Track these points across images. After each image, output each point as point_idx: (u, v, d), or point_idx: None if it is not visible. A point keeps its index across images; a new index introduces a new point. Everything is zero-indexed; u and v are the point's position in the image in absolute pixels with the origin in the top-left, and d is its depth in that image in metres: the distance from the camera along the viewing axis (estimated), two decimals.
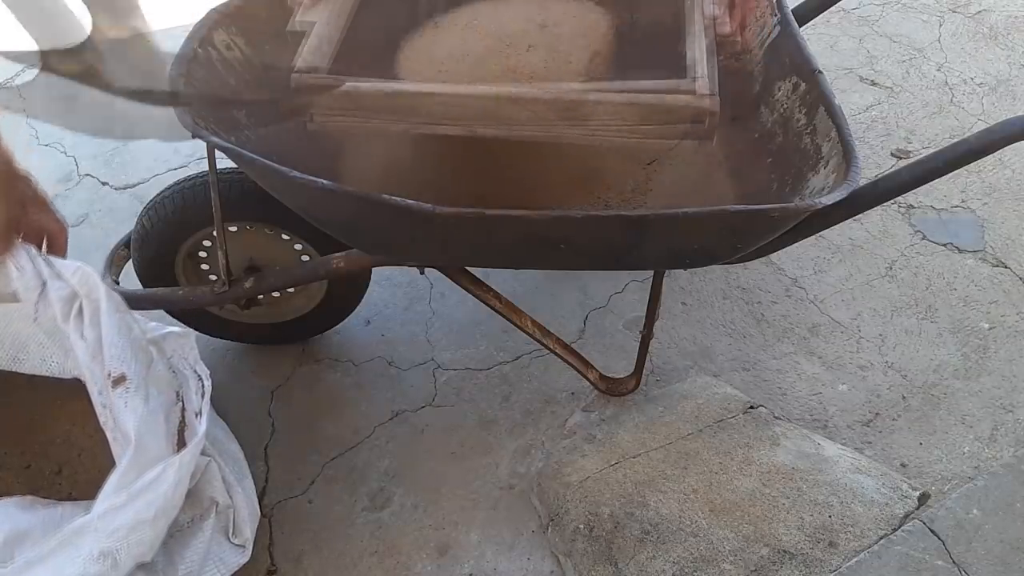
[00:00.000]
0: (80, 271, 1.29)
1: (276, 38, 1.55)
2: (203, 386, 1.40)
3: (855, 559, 1.43)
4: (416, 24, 1.44)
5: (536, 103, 1.21)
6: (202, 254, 1.69)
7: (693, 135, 1.22)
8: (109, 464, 1.26)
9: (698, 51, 1.26)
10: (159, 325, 1.46)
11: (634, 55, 1.38)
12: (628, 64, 1.37)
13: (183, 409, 1.36)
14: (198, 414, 1.35)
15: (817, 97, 1.44)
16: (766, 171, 1.53)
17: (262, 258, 1.66)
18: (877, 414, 1.78)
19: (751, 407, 1.69)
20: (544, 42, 1.39)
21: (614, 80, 1.32)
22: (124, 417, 1.24)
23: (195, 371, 1.42)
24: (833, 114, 1.38)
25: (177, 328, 1.46)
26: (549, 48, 1.38)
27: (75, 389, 1.42)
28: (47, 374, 1.49)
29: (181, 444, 1.32)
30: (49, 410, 1.60)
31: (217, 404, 1.81)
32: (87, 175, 2.39)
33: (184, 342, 1.45)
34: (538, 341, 1.69)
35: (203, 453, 1.40)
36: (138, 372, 1.28)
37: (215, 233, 1.51)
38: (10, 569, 1.19)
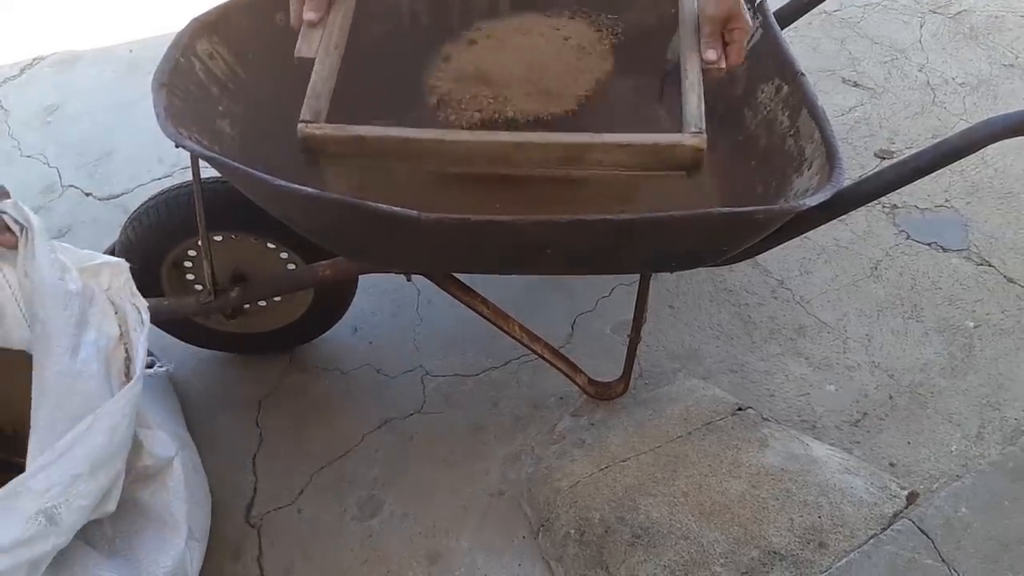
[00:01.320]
0: (20, 208, 1.26)
1: (260, 47, 1.54)
2: (142, 319, 1.36)
3: (845, 559, 1.44)
4: (428, 50, 1.47)
5: (536, 147, 1.25)
6: (187, 264, 1.68)
7: (683, 168, 1.26)
8: None
9: (690, 94, 1.30)
10: (91, 254, 1.39)
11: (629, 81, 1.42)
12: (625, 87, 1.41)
13: (127, 344, 1.33)
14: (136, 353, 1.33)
15: (800, 99, 1.45)
16: (750, 174, 1.54)
17: (248, 267, 1.66)
18: (865, 414, 1.79)
19: (739, 409, 1.69)
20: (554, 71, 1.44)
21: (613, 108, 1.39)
22: (40, 371, 1.21)
23: (133, 304, 1.38)
24: (816, 116, 1.39)
25: (111, 257, 1.40)
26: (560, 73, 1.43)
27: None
28: None
29: (127, 382, 1.31)
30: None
31: (204, 414, 1.81)
32: (70, 186, 2.38)
33: (120, 273, 1.39)
34: (526, 346, 1.69)
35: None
36: (63, 321, 1.24)
37: (200, 243, 1.50)
38: None
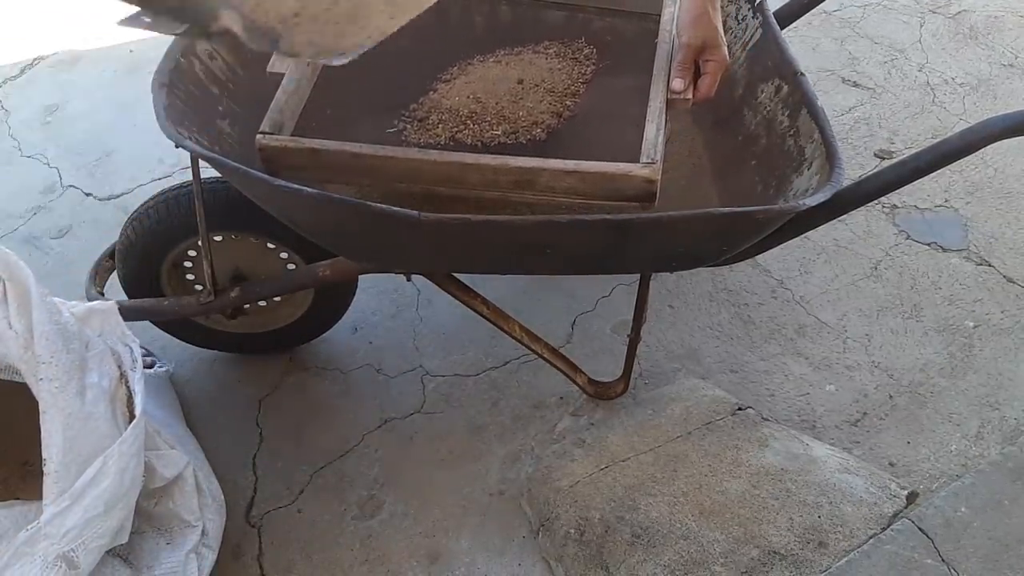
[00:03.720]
0: (1, 254, 1.23)
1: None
2: (133, 356, 1.37)
3: (845, 559, 1.44)
4: (411, 73, 1.46)
5: (486, 170, 1.25)
6: (187, 264, 1.68)
7: (636, 199, 1.24)
8: None
9: (649, 124, 1.28)
10: (77, 303, 1.40)
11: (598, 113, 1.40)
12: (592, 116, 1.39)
13: (127, 382, 1.34)
14: (135, 390, 1.34)
15: (800, 99, 1.45)
16: (750, 173, 1.54)
17: (248, 267, 1.66)
18: (864, 414, 1.79)
19: (739, 409, 1.69)
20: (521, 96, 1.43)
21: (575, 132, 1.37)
22: (51, 415, 1.20)
23: (125, 344, 1.39)
24: (816, 116, 1.39)
25: (97, 303, 1.41)
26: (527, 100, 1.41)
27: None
28: None
29: (132, 419, 1.31)
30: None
31: (204, 414, 1.81)
32: (70, 186, 2.38)
33: (110, 316, 1.40)
34: (526, 346, 1.69)
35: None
36: (68, 364, 1.23)
37: (200, 243, 1.51)
38: None
